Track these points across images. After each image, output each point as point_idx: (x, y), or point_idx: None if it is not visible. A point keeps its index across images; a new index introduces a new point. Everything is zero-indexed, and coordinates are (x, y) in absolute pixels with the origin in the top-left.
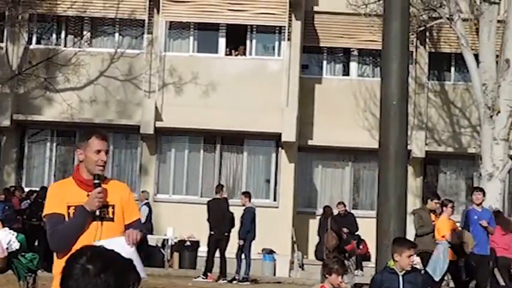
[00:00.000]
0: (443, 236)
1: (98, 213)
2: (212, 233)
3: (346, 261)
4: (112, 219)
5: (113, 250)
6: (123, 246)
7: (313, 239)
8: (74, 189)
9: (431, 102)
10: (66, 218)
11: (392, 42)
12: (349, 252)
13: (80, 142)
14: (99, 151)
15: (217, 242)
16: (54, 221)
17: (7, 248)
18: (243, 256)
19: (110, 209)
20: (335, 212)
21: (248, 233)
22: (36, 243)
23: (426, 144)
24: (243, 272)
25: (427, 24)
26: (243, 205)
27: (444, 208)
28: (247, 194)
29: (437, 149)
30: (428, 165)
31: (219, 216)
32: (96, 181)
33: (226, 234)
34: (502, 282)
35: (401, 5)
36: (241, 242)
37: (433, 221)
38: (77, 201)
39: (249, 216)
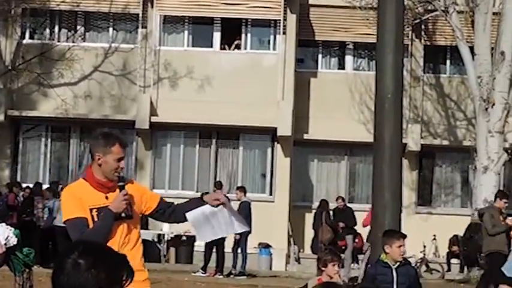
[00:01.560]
0: None
1: (123, 214)
2: None
3: (341, 255)
4: (131, 216)
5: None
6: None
7: (309, 233)
8: (92, 191)
9: (427, 95)
10: (89, 221)
11: (387, 35)
12: (343, 247)
13: (100, 146)
14: (120, 159)
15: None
16: (79, 225)
17: (5, 244)
18: (239, 250)
19: (128, 207)
20: (332, 206)
21: None
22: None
23: (422, 137)
24: (240, 266)
25: (423, 17)
26: (238, 200)
27: None
28: (241, 189)
29: (433, 142)
30: (423, 158)
31: None
32: (121, 183)
33: None
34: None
35: None
36: (238, 237)
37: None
38: (98, 204)
39: (245, 211)
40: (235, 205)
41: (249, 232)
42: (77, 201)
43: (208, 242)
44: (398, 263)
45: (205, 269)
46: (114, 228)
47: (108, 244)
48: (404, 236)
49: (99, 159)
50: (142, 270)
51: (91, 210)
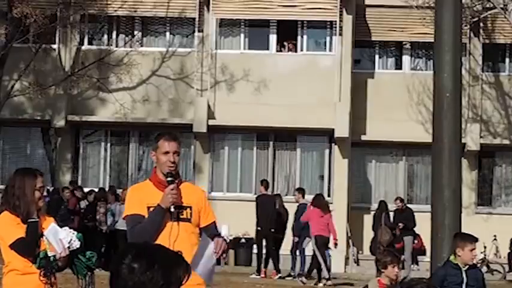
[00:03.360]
0: None
1: (172, 209)
2: (259, 228)
3: (401, 256)
4: (189, 220)
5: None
6: (210, 253)
7: (368, 234)
8: (152, 190)
9: (486, 94)
10: None
11: (444, 34)
12: (399, 249)
13: (153, 145)
14: (167, 152)
15: (264, 238)
16: (132, 221)
17: (68, 247)
18: (297, 252)
19: (188, 210)
20: (391, 207)
21: (302, 229)
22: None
23: (481, 136)
24: (298, 268)
25: (481, 15)
26: (296, 201)
27: None
28: (300, 191)
29: (493, 142)
30: (483, 158)
31: (267, 212)
32: (169, 179)
33: (272, 230)
34: (320, 260)
35: None
36: (296, 239)
37: None
38: (156, 202)
39: (302, 213)
40: (293, 207)
41: (307, 235)
42: (136, 200)
43: (258, 243)
44: (468, 266)
45: (259, 271)
46: (163, 225)
47: (157, 241)
48: (476, 240)
49: (153, 156)
50: (195, 274)
51: (148, 208)
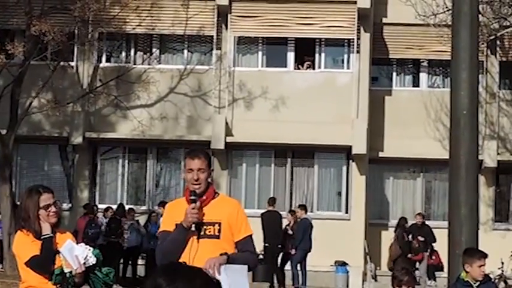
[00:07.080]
0: None
1: (193, 228)
2: (267, 245)
3: (417, 271)
4: (217, 237)
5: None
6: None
7: (386, 251)
8: (185, 207)
9: (503, 112)
10: None
11: (461, 52)
12: (418, 261)
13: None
14: (190, 170)
15: (273, 253)
16: (162, 238)
17: (84, 263)
18: (299, 267)
19: (216, 226)
20: (411, 222)
21: (300, 243)
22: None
23: (498, 153)
24: (300, 282)
25: (498, 33)
26: (299, 218)
27: None
28: (302, 207)
29: (510, 158)
30: (500, 174)
31: (273, 228)
32: (192, 197)
33: (279, 246)
34: None
35: (471, 14)
36: (293, 251)
37: None
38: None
39: (303, 227)
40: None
41: (309, 250)
42: (168, 216)
43: (267, 258)
44: (478, 282)
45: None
46: (186, 242)
47: (181, 259)
48: (485, 256)
49: (183, 174)
50: None
51: (176, 225)
